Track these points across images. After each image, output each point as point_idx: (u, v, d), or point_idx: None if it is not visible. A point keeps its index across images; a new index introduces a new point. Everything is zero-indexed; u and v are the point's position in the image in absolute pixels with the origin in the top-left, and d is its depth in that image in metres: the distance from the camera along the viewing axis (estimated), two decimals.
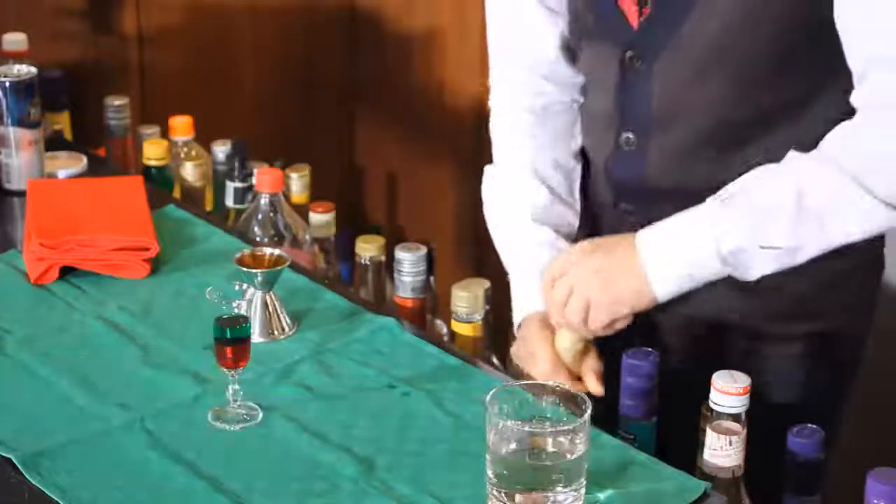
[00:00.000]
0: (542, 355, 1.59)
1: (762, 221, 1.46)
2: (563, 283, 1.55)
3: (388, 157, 3.04)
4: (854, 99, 1.48)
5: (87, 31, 2.69)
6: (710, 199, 1.50)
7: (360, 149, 3.12)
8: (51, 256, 1.74)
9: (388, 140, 3.05)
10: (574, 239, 1.67)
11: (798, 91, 1.54)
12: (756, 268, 1.49)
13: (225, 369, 1.45)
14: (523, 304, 1.67)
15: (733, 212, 1.48)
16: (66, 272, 1.75)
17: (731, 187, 1.50)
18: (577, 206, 1.71)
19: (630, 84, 1.61)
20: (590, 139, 1.72)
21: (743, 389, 1.40)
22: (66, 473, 1.37)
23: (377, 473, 1.38)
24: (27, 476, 1.37)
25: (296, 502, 1.34)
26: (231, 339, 1.44)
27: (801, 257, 1.48)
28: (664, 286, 1.52)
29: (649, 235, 1.52)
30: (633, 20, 1.57)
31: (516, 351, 1.65)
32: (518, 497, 1.28)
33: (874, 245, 1.66)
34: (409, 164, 2.98)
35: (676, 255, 1.51)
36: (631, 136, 1.63)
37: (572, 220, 1.70)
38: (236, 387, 1.47)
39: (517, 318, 1.67)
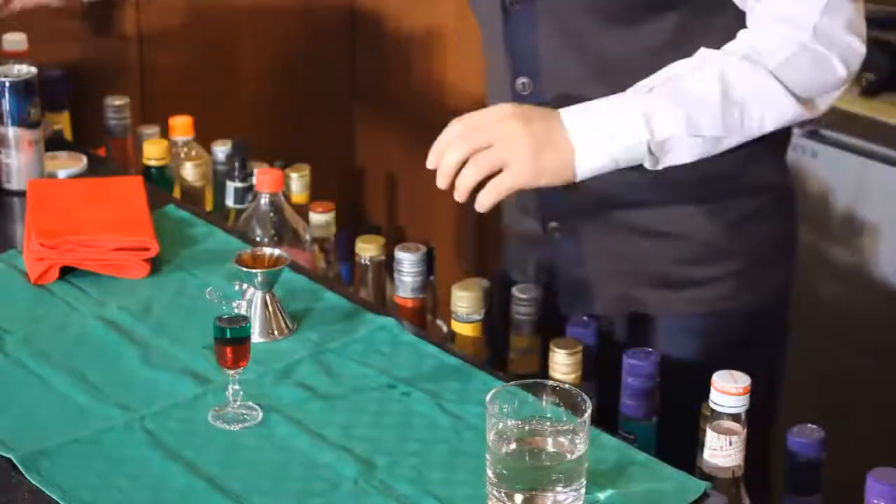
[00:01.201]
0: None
1: (694, 111, 1.50)
2: (481, 135, 1.52)
3: (388, 157, 3.04)
4: (751, 19, 1.56)
5: (87, 31, 2.69)
6: (633, 90, 1.53)
7: (360, 149, 3.12)
8: (51, 256, 1.74)
9: (388, 140, 3.05)
10: None
11: (678, 30, 1.60)
12: (678, 156, 1.53)
13: (225, 369, 1.45)
14: None
15: (665, 100, 1.50)
16: (66, 272, 1.75)
17: (654, 79, 1.53)
18: None
19: (515, 28, 1.67)
20: (490, 90, 1.78)
21: (743, 389, 1.40)
22: (66, 473, 1.37)
23: (377, 473, 1.38)
24: (27, 476, 1.37)
25: (296, 502, 1.34)
26: (231, 339, 1.44)
27: (722, 147, 1.54)
28: (587, 166, 1.52)
29: (577, 115, 1.52)
30: None
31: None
32: (518, 497, 1.28)
33: (781, 185, 1.74)
34: (409, 164, 2.98)
35: (605, 137, 1.51)
36: (526, 80, 1.69)
37: None
38: (236, 387, 1.47)
39: None
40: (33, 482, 1.36)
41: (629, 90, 1.53)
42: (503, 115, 1.52)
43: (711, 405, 1.41)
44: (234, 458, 1.40)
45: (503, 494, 1.29)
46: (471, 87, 2.78)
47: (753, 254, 1.71)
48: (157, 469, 1.38)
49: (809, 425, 1.45)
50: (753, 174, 1.68)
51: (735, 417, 1.40)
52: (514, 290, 1.75)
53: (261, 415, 1.47)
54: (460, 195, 1.54)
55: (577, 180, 1.53)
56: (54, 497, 1.34)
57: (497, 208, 1.59)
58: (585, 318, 1.69)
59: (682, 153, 1.53)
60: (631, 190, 1.66)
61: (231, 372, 1.45)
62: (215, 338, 1.44)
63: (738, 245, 1.70)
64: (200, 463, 1.39)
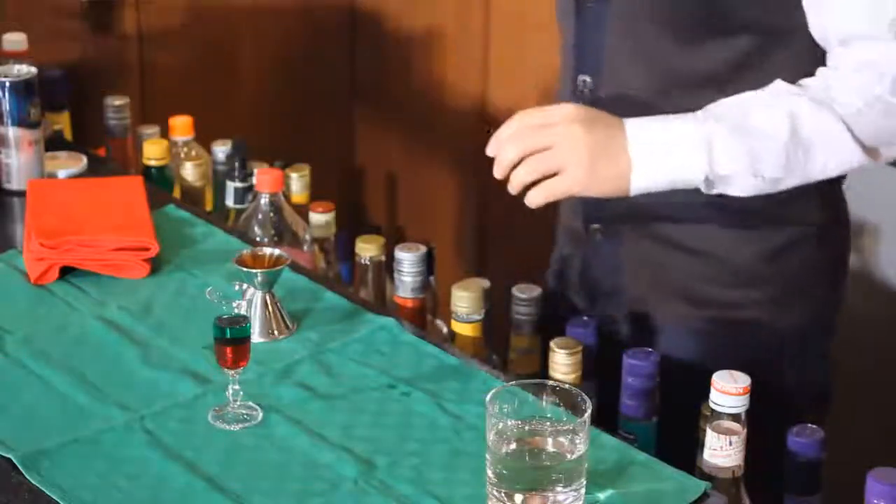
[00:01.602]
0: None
1: (758, 149, 1.50)
2: (542, 135, 1.52)
3: (388, 157, 3.04)
4: (830, 62, 1.55)
5: (87, 31, 2.69)
6: (701, 114, 1.52)
7: (360, 149, 3.12)
8: (51, 256, 1.74)
9: (388, 140, 3.05)
10: None
11: (747, 52, 1.58)
12: (734, 190, 1.54)
13: (225, 369, 1.45)
14: None
15: (731, 134, 1.50)
16: (66, 272, 1.75)
17: (723, 105, 1.53)
18: None
19: (584, 26, 1.66)
20: (560, 89, 1.77)
21: (743, 389, 1.40)
22: (66, 473, 1.37)
23: (377, 473, 1.38)
24: (27, 476, 1.37)
25: (296, 502, 1.34)
26: (231, 339, 1.44)
27: (780, 187, 1.54)
28: (642, 182, 1.53)
29: (640, 130, 1.52)
30: None
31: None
32: (518, 497, 1.28)
33: (828, 219, 1.72)
34: (409, 164, 2.98)
35: (666, 160, 1.52)
36: (587, 78, 1.68)
37: None
38: (236, 387, 1.47)
39: None
40: (33, 482, 1.36)
41: (698, 113, 1.52)
42: (568, 117, 1.52)
43: (711, 405, 1.41)
44: (234, 458, 1.40)
45: (503, 494, 1.29)
46: (471, 87, 2.79)
47: (787, 283, 1.69)
48: (157, 469, 1.38)
49: (809, 425, 1.45)
50: (801, 208, 1.67)
51: (735, 417, 1.40)
52: (515, 290, 1.75)
53: (261, 415, 1.47)
54: (513, 189, 1.55)
55: (631, 195, 1.54)
56: (54, 497, 1.34)
57: (552, 206, 1.61)
58: (585, 318, 1.69)
59: (739, 188, 1.53)
60: (676, 206, 1.65)
61: (231, 372, 1.45)
62: (215, 338, 1.44)
63: (772, 273, 1.68)
64: (200, 463, 1.39)
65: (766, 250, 1.66)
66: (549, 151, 1.52)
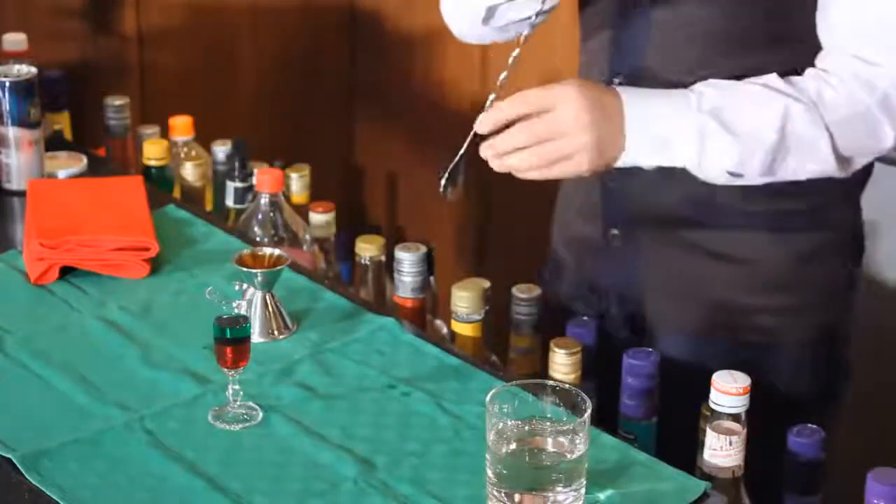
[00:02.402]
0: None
1: (747, 152, 1.52)
2: (548, 125, 1.51)
3: (388, 157, 3.04)
4: (826, 64, 1.55)
5: (87, 31, 2.69)
6: (698, 100, 1.52)
7: (360, 149, 3.12)
8: (51, 256, 1.74)
9: (388, 140, 3.05)
10: None
11: (785, 65, 1.58)
12: (709, 180, 1.55)
13: (225, 369, 1.45)
14: None
15: (725, 138, 1.51)
16: (66, 272, 1.75)
17: (722, 92, 1.52)
18: None
19: (627, 27, 1.66)
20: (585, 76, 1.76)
21: (743, 389, 1.40)
22: (66, 473, 1.37)
23: (377, 473, 1.38)
24: (27, 476, 1.37)
25: (296, 502, 1.34)
26: (231, 339, 1.44)
27: (745, 183, 1.55)
28: (628, 162, 1.54)
29: (638, 121, 1.52)
30: None
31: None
32: (518, 497, 1.28)
33: (852, 224, 1.72)
34: (409, 164, 2.98)
35: (659, 152, 1.53)
36: (622, 80, 1.66)
37: None
38: (236, 387, 1.47)
39: None
40: (33, 482, 1.36)
41: (693, 97, 1.53)
42: (569, 101, 1.51)
43: (711, 405, 1.41)
44: (234, 458, 1.40)
45: (503, 494, 1.29)
46: (470, 87, 2.78)
47: (811, 289, 1.69)
48: (157, 469, 1.38)
49: (809, 425, 1.45)
50: (830, 213, 1.67)
51: (735, 417, 1.40)
52: (515, 290, 1.75)
53: (261, 415, 1.47)
54: (501, 168, 1.55)
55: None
56: (54, 497, 1.34)
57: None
58: (585, 318, 1.69)
59: (713, 179, 1.56)
60: (700, 209, 1.65)
61: (231, 372, 1.45)
62: (215, 338, 1.44)
63: (799, 279, 1.68)
64: (200, 463, 1.39)
65: (794, 255, 1.66)
66: (556, 142, 1.52)
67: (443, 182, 1.58)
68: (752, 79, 1.55)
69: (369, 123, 3.09)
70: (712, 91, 1.53)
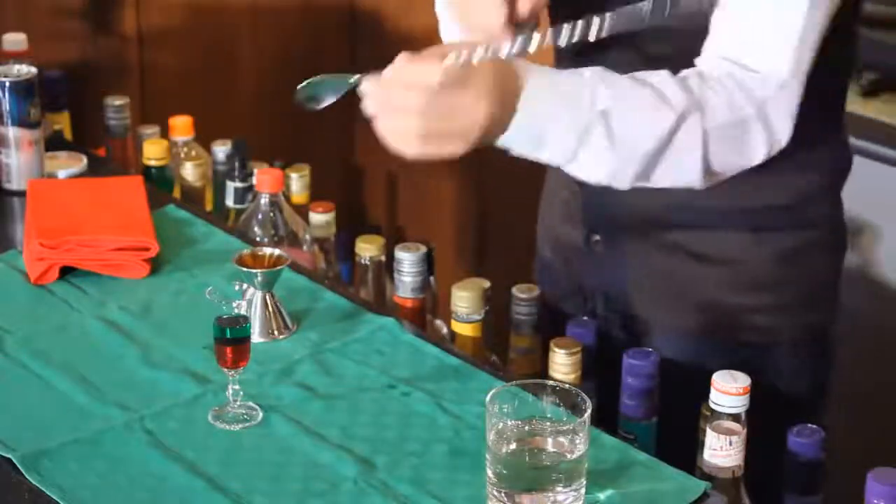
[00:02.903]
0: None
1: (622, 165, 1.46)
2: (401, 97, 1.45)
3: (388, 157, 3.02)
4: (707, 67, 1.50)
5: (87, 31, 2.69)
6: (593, 95, 1.43)
7: (360, 149, 3.12)
8: (51, 256, 1.74)
9: None
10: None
11: None
12: (575, 175, 1.49)
13: (225, 369, 1.45)
14: None
15: (605, 150, 1.44)
16: (66, 272, 1.75)
17: (618, 93, 1.44)
18: None
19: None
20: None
21: (743, 389, 1.40)
22: (66, 473, 1.37)
23: (377, 473, 1.38)
24: (27, 476, 1.37)
25: (296, 502, 1.34)
26: (231, 339, 1.44)
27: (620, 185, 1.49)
28: (501, 144, 1.45)
29: (528, 109, 1.42)
30: None
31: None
32: (518, 497, 1.28)
33: (834, 218, 1.70)
34: (409, 164, 2.97)
35: (535, 147, 1.45)
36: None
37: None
38: (236, 387, 1.47)
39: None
40: (33, 482, 1.36)
41: (586, 91, 1.43)
42: (482, 89, 1.40)
43: (711, 405, 1.41)
44: (234, 458, 1.40)
45: (503, 494, 1.29)
46: None
47: (801, 284, 1.68)
48: (157, 469, 1.38)
49: (809, 425, 1.45)
50: (813, 209, 1.67)
51: (735, 417, 1.40)
52: (515, 290, 1.75)
53: (261, 415, 1.47)
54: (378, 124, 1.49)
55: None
56: (54, 497, 1.34)
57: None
58: (585, 318, 1.69)
59: (581, 177, 1.49)
60: (680, 212, 1.64)
61: (231, 372, 1.45)
62: (215, 338, 1.44)
63: (787, 275, 1.67)
64: (200, 463, 1.39)
65: (777, 253, 1.66)
66: (447, 122, 1.42)
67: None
68: (648, 77, 1.48)
69: (369, 123, 3.09)
70: (605, 90, 1.44)
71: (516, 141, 1.44)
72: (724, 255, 1.66)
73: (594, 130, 1.44)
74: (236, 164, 2.12)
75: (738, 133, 1.48)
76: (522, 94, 1.42)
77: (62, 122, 2.30)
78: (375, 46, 3.04)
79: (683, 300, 1.68)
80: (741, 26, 1.49)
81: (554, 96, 1.44)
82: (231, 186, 2.12)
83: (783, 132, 1.49)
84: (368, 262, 1.93)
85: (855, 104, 2.42)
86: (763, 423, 1.45)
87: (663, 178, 1.49)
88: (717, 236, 1.65)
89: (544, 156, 1.46)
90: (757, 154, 1.49)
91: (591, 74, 1.45)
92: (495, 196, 2.83)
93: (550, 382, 1.34)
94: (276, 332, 1.62)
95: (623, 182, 1.48)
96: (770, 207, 1.63)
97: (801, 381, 1.71)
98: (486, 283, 1.74)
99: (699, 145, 1.46)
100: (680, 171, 1.48)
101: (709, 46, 1.51)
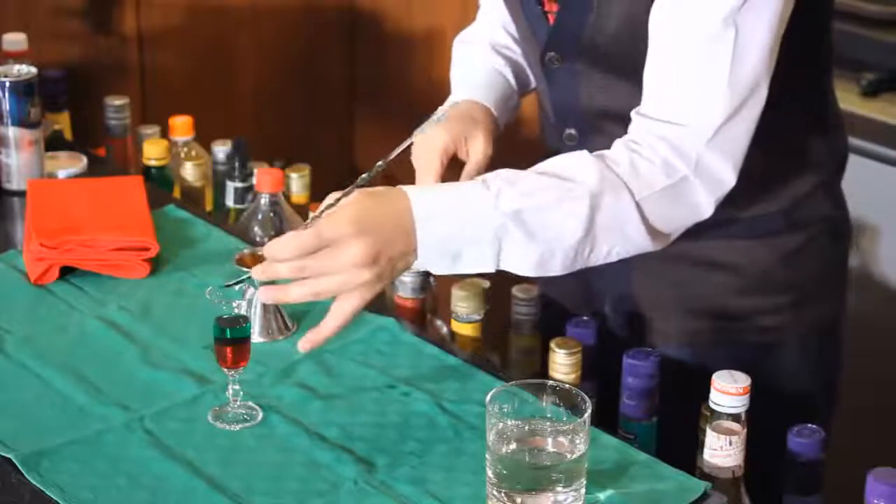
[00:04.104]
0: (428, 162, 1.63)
1: (548, 252, 1.43)
2: (322, 260, 1.39)
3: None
4: (635, 131, 1.49)
5: (87, 31, 2.70)
6: (498, 200, 1.41)
7: (360, 149, 3.12)
8: (51, 256, 1.74)
9: (388, 140, 3.04)
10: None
11: None
12: (513, 270, 1.47)
13: (225, 369, 1.45)
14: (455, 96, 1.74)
15: (523, 247, 1.42)
16: (66, 272, 1.75)
17: (525, 191, 1.42)
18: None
19: (556, 86, 1.65)
20: (544, 130, 1.76)
21: (743, 389, 1.40)
22: (66, 473, 1.37)
23: (377, 473, 1.38)
24: (27, 476, 1.37)
25: (296, 502, 1.34)
26: (231, 339, 1.44)
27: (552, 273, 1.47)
28: (420, 266, 1.44)
29: (430, 234, 1.40)
30: (551, 19, 1.61)
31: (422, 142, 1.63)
32: (518, 497, 1.28)
33: (834, 217, 1.70)
34: (408, 165, 2.98)
35: (454, 262, 1.43)
36: (573, 131, 1.66)
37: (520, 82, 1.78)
38: (236, 387, 1.47)
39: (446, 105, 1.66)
40: (33, 482, 1.36)
41: (491, 197, 1.41)
42: (343, 234, 1.38)
43: (711, 405, 1.41)
44: (234, 458, 1.40)
45: (503, 494, 1.29)
46: None
47: (805, 284, 1.68)
48: (157, 469, 1.38)
49: (809, 425, 1.45)
50: (814, 208, 1.67)
51: (735, 417, 1.40)
52: (515, 290, 1.75)
53: (261, 415, 1.47)
54: (283, 299, 1.44)
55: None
56: (54, 497, 1.34)
57: None
58: (585, 318, 1.69)
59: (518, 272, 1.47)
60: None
61: (231, 372, 1.45)
62: (215, 338, 1.44)
63: (791, 275, 1.67)
64: (200, 463, 1.39)
65: (784, 253, 1.66)
66: (330, 279, 1.40)
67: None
68: (560, 163, 1.46)
69: (369, 123, 3.10)
70: (510, 190, 1.42)
71: (431, 262, 1.43)
72: (728, 260, 1.65)
73: (510, 236, 1.42)
74: (236, 164, 2.12)
75: (677, 193, 1.46)
76: (416, 218, 1.40)
77: (62, 122, 2.30)
78: (375, 46, 3.04)
79: (689, 304, 1.68)
80: (666, 83, 1.48)
81: (451, 204, 1.42)
82: (231, 186, 2.12)
83: (726, 176, 1.47)
84: None
85: (855, 104, 2.42)
86: (764, 423, 1.45)
87: (611, 255, 1.47)
88: (720, 244, 1.65)
89: (466, 269, 1.44)
90: (703, 207, 1.48)
91: (493, 178, 1.43)
92: None
93: (550, 382, 1.34)
94: (276, 332, 1.62)
95: (554, 270, 1.45)
96: (770, 214, 1.64)
97: (807, 380, 1.70)
98: (486, 283, 1.74)
99: (635, 216, 1.45)
100: (622, 244, 1.46)
101: (641, 106, 1.50)
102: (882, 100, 2.46)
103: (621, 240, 1.46)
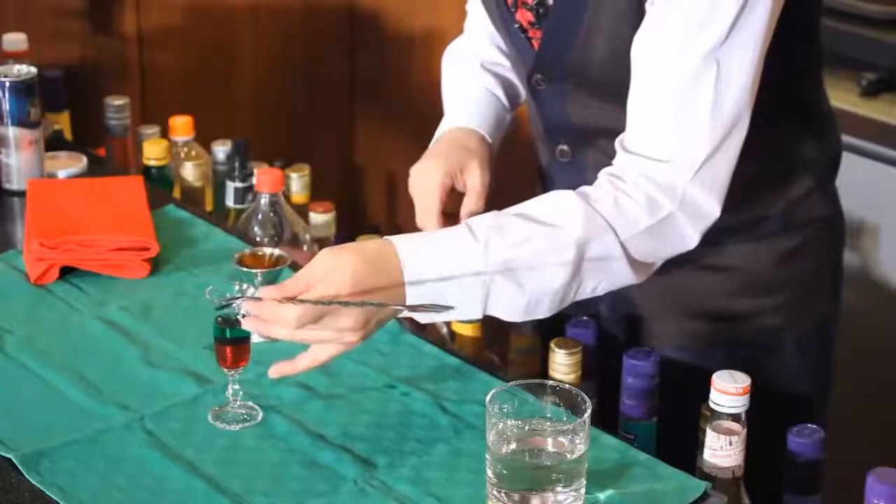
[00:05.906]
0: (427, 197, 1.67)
1: (534, 298, 1.44)
2: (323, 328, 1.40)
3: (388, 157, 3.04)
4: (619, 166, 1.48)
5: (87, 31, 2.70)
6: (488, 251, 1.41)
7: (360, 149, 3.12)
8: (51, 256, 1.74)
9: (388, 140, 3.05)
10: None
11: None
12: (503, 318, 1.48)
13: (225, 369, 1.45)
14: (446, 123, 1.74)
15: (511, 298, 1.43)
16: (66, 272, 1.75)
17: (513, 244, 1.42)
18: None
19: (543, 104, 1.65)
20: (537, 142, 1.76)
21: (743, 389, 1.40)
22: (66, 473, 1.37)
23: (377, 473, 1.38)
24: (27, 476, 1.37)
25: (296, 502, 1.34)
26: (231, 339, 1.44)
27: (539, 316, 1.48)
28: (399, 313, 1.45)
29: (419, 290, 1.41)
30: (535, 45, 1.60)
31: (419, 170, 1.68)
32: (518, 497, 1.28)
33: (829, 216, 1.70)
34: (408, 164, 2.98)
35: (443, 314, 1.44)
36: (565, 147, 1.66)
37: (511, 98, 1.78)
38: (236, 387, 1.47)
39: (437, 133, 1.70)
40: (33, 482, 1.36)
41: (483, 249, 1.41)
42: (341, 314, 1.39)
43: (711, 405, 1.41)
44: (234, 458, 1.41)
45: (503, 494, 1.29)
46: None
47: (802, 284, 1.68)
48: (157, 469, 1.38)
49: (809, 425, 1.45)
50: (803, 210, 1.66)
51: (735, 417, 1.40)
52: None
53: (261, 415, 1.47)
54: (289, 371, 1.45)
55: None
56: (54, 497, 1.34)
57: None
58: (585, 318, 1.69)
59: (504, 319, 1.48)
60: None
61: (231, 372, 1.46)
62: (215, 338, 1.44)
63: (788, 277, 1.67)
64: (200, 463, 1.39)
65: (781, 255, 1.66)
66: (324, 347, 1.42)
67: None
68: (545, 208, 1.46)
69: (369, 123, 3.10)
70: (499, 241, 1.42)
71: (417, 317, 1.45)
72: (725, 263, 1.65)
73: (496, 284, 1.42)
74: (236, 164, 2.12)
75: (662, 230, 1.47)
76: (406, 282, 1.41)
77: (62, 122, 2.30)
78: (375, 46, 3.04)
79: (687, 307, 1.68)
80: (649, 119, 1.47)
81: (441, 273, 1.42)
82: (231, 186, 2.12)
83: (710, 209, 1.47)
84: None
85: (855, 104, 2.42)
86: (764, 423, 1.45)
87: (597, 290, 1.48)
88: (717, 249, 1.65)
89: (452, 318, 1.46)
90: (689, 239, 1.48)
91: (479, 226, 1.44)
92: (495, 196, 2.83)
93: (550, 382, 1.34)
94: None
95: (541, 314, 1.46)
96: (765, 217, 1.64)
97: (806, 379, 1.71)
98: None
99: (619, 255, 1.46)
100: (608, 280, 1.47)
101: (625, 136, 1.50)
102: (882, 100, 2.46)
103: (607, 277, 1.47)
